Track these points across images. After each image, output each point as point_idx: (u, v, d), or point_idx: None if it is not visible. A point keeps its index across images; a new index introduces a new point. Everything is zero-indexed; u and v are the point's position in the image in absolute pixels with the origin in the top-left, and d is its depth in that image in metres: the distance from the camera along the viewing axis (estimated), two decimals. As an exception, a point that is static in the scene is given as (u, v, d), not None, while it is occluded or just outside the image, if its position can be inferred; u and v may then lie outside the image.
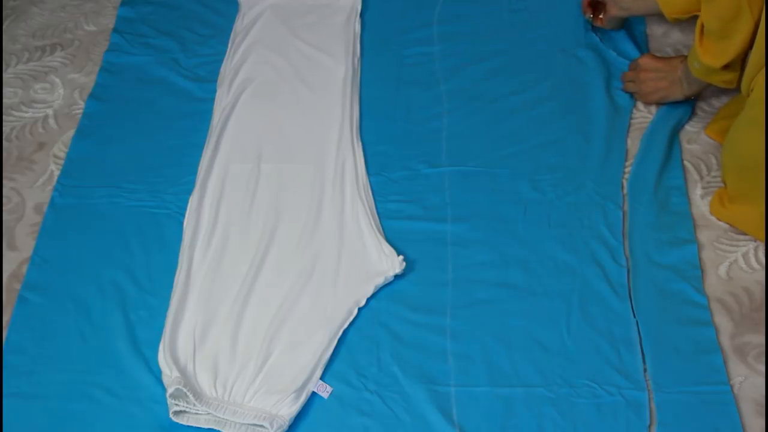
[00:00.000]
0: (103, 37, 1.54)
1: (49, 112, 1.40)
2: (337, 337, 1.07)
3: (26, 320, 1.11)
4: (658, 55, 1.40)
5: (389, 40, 1.50)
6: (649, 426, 0.99)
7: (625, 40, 1.46)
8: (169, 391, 0.99)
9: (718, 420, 0.99)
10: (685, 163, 1.28)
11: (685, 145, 1.31)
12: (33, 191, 1.28)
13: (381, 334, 1.08)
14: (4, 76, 1.47)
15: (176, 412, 0.99)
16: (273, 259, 1.15)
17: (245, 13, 1.55)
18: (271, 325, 1.07)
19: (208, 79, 1.43)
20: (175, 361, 1.03)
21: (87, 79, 1.46)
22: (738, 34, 1.10)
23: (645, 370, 1.04)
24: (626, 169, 1.27)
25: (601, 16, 1.44)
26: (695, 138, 1.32)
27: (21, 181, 1.29)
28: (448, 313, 1.10)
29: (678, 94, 1.31)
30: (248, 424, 0.99)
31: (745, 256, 1.16)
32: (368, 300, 1.11)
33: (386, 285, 1.13)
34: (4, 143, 1.35)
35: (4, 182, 1.29)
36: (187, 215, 1.21)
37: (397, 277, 1.13)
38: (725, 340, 1.07)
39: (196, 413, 1.00)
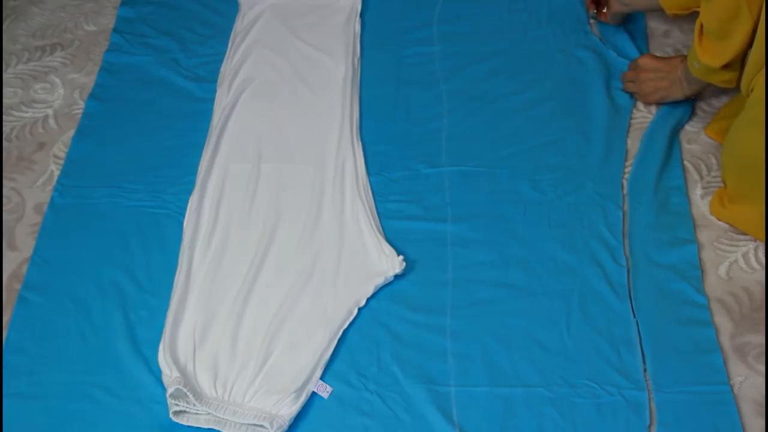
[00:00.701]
0: (103, 37, 1.54)
1: (49, 112, 1.40)
2: (337, 337, 1.07)
3: (26, 320, 1.11)
4: (658, 55, 1.40)
5: (389, 40, 1.50)
6: (649, 426, 0.99)
7: (626, 40, 1.46)
8: (169, 391, 0.99)
9: (718, 420, 0.99)
10: (685, 163, 1.28)
11: (685, 145, 1.31)
12: (33, 191, 1.28)
13: (381, 334, 1.08)
14: (4, 76, 1.47)
15: (176, 412, 0.99)
16: (273, 259, 1.15)
17: (245, 13, 1.55)
18: (271, 325, 1.07)
19: (208, 79, 1.43)
20: (175, 361, 1.03)
21: (87, 79, 1.46)
22: (737, 34, 1.10)
23: (645, 370, 1.04)
24: (626, 169, 1.27)
25: (604, 11, 1.45)
26: (695, 138, 1.32)
27: (21, 181, 1.29)
28: (448, 313, 1.10)
29: (678, 93, 1.31)
30: (248, 424, 0.99)
31: (745, 256, 1.16)
32: (368, 300, 1.11)
33: (386, 285, 1.13)
34: (4, 143, 1.35)
35: (4, 182, 1.29)
36: (187, 215, 1.21)
37: (397, 277, 1.13)
38: (725, 340, 1.07)
39: (196, 413, 1.00)
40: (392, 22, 1.53)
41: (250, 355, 1.04)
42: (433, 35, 1.50)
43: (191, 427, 1.00)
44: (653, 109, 1.35)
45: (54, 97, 1.43)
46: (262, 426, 0.98)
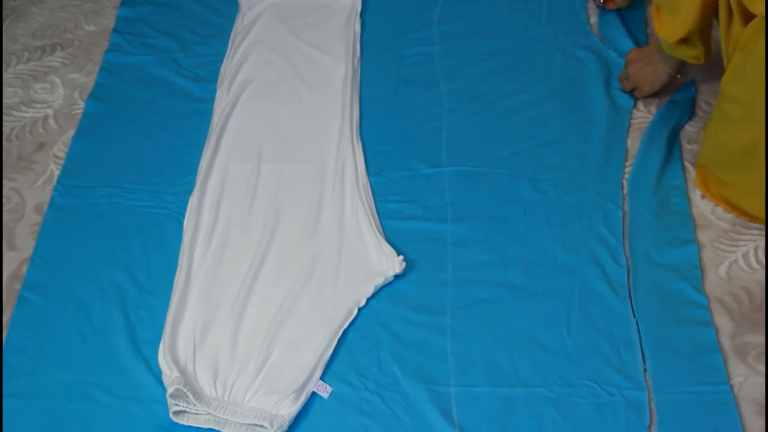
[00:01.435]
0: (103, 37, 1.54)
1: (49, 112, 1.40)
2: (337, 337, 1.07)
3: (26, 320, 1.11)
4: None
5: (389, 40, 1.50)
6: (649, 426, 0.99)
7: (626, 40, 1.46)
8: (169, 391, 0.99)
9: (718, 420, 0.99)
10: (685, 163, 1.28)
11: (685, 145, 1.31)
12: (33, 191, 1.28)
13: (381, 334, 1.08)
14: (4, 76, 1.47)
15: (176, 412, 0.99)
16: (273, 259, 1.15)
17: (245, 13, 1.55)
18: (271, 325, 1.07)
19: (208, 79, 1.43)
20: (175, 361, 1.03)
21: (87, 79, 1.46)
22: (684, 5, 1.11)
23: (645, 370, 1.04)
24: (626, 169, 1.27)
25: None
26: (695, 138, 1.32)
27: (21, 181, 1.29)
28: (448, 313, 1.10)
29: (662, 74, 1.31)
30: (248, 424, 0.99)
31: (745, 256, 1.16)
32: (368, 300, 1.11)
33: (386, 285, 1.13)
34: (4, 143, 1.35)
35: (4, 182, 1.29)
36: (187, 215, 1.21)
37: (397, 277, 1.13)
38: (725, 340, 1.07)
39: (196, 413, 1.00)
40: (392, 22, 1.53)
41: (250, 355, 1.04)
42: (433, 35, 1.50)
43: (191, 427, 1.00)
44: (653, 109, 1.36)
45: (54, 97, 1.43)
46: (262, 426, 0.98)
